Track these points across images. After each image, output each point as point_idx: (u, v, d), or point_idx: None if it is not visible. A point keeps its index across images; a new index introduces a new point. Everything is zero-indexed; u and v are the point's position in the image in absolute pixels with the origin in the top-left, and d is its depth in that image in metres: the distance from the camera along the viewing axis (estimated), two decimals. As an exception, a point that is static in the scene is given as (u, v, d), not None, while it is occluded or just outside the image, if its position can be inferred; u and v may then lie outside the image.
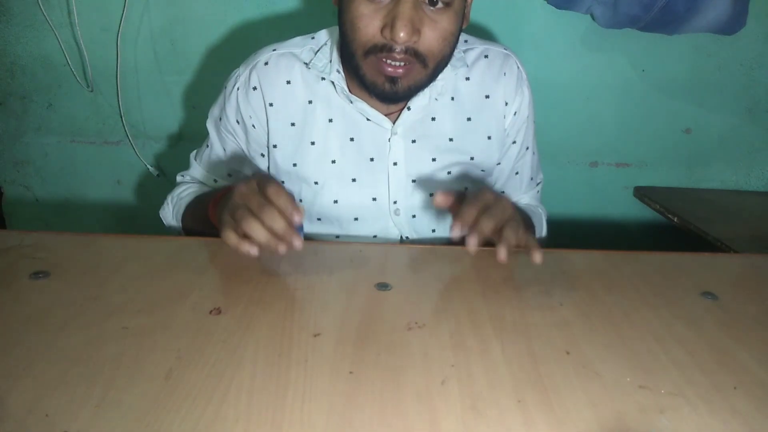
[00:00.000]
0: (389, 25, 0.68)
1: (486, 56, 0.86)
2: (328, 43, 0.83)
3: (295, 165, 0.85)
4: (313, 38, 0.85)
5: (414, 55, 0.71)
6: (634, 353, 0.53)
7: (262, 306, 0.58)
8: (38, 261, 0.65)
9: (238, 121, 0.86)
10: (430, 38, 0.70)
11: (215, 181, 0.92)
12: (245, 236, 0.62)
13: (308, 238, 0.87)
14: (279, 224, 0.60)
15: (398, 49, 0.69)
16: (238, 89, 0.84)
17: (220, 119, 0.88)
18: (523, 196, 0.97)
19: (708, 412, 0.46)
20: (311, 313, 0.57)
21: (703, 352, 0.54)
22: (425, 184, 0.86)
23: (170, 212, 0.91)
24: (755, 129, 1.43)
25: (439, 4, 0.69)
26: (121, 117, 1.37)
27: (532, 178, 0.96)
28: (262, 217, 0.60)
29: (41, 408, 0.42)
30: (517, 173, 0.93)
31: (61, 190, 1.48)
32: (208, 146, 0.92)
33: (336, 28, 0.81)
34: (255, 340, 0.52)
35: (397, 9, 0.67)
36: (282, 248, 0.61)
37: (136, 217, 1.51)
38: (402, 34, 0.67)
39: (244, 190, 0.64)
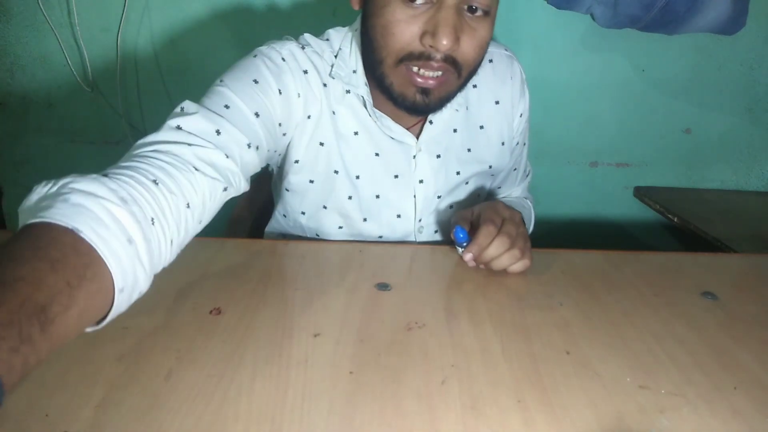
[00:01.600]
0: (430, 32, 0.63)
1: (491, 60, 0.85)
2: (344, 49, 0.76)
3: (336, 172, 0.79)
4: (327, 40, 0.78)
5: (452, 63, 0.67)
6: (634, 353, 0.53)
7: (262, 306, 0.58)
8: (38, 261, 0.65)
9: (280, 91, 0.70)
10: (468, 47, 0.66)
11: (248, 146, 0.63)
12: None
13: (316, 239, 0.87)
14: None
15: (438, 57, 0.65)
16: (284, 60, 0.72)
17: (256, 82, 0.68)
18: (517, 188, 0.99)
19: (708, 412, 0.46)
20: (311, 313, 0.57)
21: (703, 352, 0.54)
22: (448, 197, 0.85)
23: (37, 196, 0.49)
24: (755, 129, 1.43)
25: (479, 12, 0.65)
26: (121, 117, 1.37)
27: (525, 171, 0.99)
28: None
29: (41, 408, 0.42)
30: (515, 169, 0.95)
31: (61, 190, 1.48)
32: (227, 107, 0.63)
33: (344, 30, 0.78)
34: (255, 340, 0.52)
35: (440, 15, 0.63)
36: None
37: (136, 217, 1.50)
38: (445, 42, 0.63)
39: None
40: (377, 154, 0.79)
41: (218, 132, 0.60)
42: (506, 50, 0.87)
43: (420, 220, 0.83)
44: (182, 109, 0.61)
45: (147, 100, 1.38)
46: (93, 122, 1.40)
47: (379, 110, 0.77)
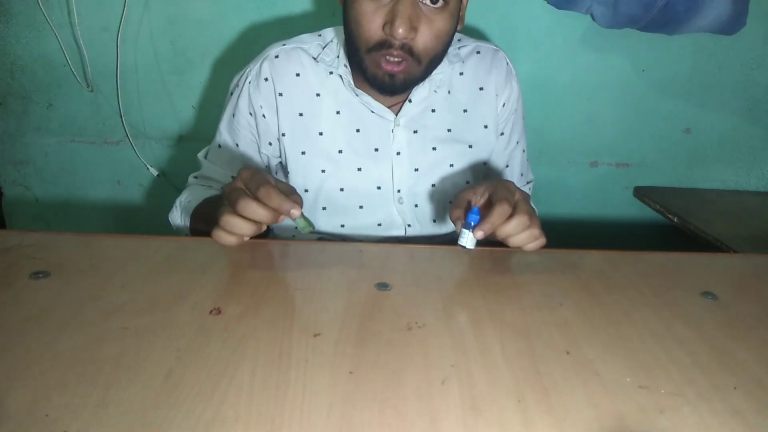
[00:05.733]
0: (389, 22, 0.73)
1: (478, 52, 0.91)
2: (335, 40, 0.88)
3: (303, 153, 0.88)
4: (319, 35, 0.89)
5: (409, 52, 0.76)
6: (634, 353, 0.53)
7: (262, 306, 0.58)
8: (38, 261, 0.65)
9: (251, 113, 0.88)
10: (426, 36, 0.75)
11: (232, 177, 0.91)
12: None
13: (313, 231, 0.87)
14: (261, 215, 0.62)
15: (396, 44, 0.74)
16: (249, 82, 0.87)
17: (233, 116, 0.89)
18: None
19: (708, 412, 0.46)
20: (311, 313, 0.57)
21: (703, 352, 0.54)
22: (427, 173, 0.89)
23: (179, 216, 0.91)
24: (755, 129, 1.43)
25: (439, 3, 0.74)
26: (121, 117, 1.37)
27: (522, 174, 0.99)
28: (250, 216, 0.63)
29: (41, 408, 0.42)
30: (507, 166, 0.97)
31: (61, 190, 1.48)
32: (219, 146, 0.92)
33: (340, 28, 0.85)
34: (255, 340, 0.52)
35: (397, 8, 0.72)
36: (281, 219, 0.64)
37: (136, 217, 1.51)
38: (401, 31, 0.72)
39: (229, 191, 0.65)
40: (358, 130, 0.88)
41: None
42: (496, 47, 0.93)
43: (399, 191, 0.89)
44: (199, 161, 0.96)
45: (147, 100, 1.38)
46: (93, 122, 1.40)
47: (361, 89, 0.86)
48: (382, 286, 0.63)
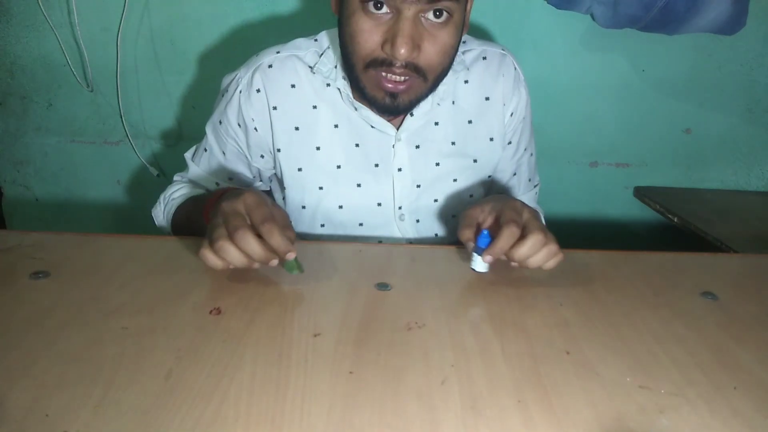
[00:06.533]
0: (389, 41, 0.67)
1: (484, 58, 0.86)
2: (332, 47, 0.82)
3: (300, 170, 0.84)
4: (315, 40, 0.84)
5: (414, 69, 0.70)
6: (634, 353, 0.53)
7: (262, 306, 0.58)
8: (38, 261, 0.65)
9: (239, 124, 0.84)
10: (431, 53, 0.70)
11: (217, 184, 0.89)
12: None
13: (316, 239, 0.87)
14: (259, 254, 0.58)
15: (398, 64, 0.69)
16: (240, 92, 0.82)
17: (220, 123, 0.85)
18: (522, 197, 0.96)
19: (708, 412, 0.46)
20: (311, 313, 0.57)
21: (703, 352, 0.54)
22: (430, 189, 0.86)
23: (161, 212, 0.89)
24: (755, 129, 1.43)
25: (443, 17, 0.68)
26: (121, 117, 1.37)
27: (530, 180, 0.96)
28: (246, 250, 0.58)
29: (41, 408, 0.42)
30: (515, 174, 0.93)
31: (61, 190, 1.48)
32: (206, 150, 0.88)
33: (335, 31, 0.80)
34: (255, 340, 0.52)
35: (398, 26, 0.66)
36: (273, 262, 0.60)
37: (136, 217, 1.51)
38: (403, 51, 0.66)
39: (229, 212, 0.61)
40: (357, 145, 0.83)
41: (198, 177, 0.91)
42: (503, 49, 0.87)
43: (400, 208, 0.86)
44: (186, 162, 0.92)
45: (147, 100, 1.38)
46: (93, 122, 1.40)
47: (360, 103, 0.80)
48: (382, 286, 0.63)
